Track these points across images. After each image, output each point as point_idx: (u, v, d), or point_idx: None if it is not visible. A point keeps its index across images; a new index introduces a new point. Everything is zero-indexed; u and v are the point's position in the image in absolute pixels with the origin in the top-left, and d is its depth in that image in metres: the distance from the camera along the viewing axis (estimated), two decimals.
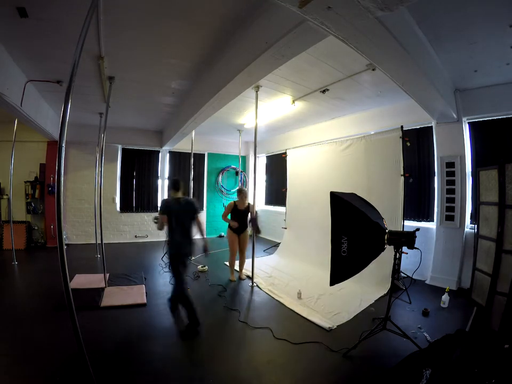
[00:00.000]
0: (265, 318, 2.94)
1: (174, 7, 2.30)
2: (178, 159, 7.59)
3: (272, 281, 4.03)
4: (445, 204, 3.94)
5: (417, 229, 2.17)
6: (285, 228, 5.93)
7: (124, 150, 7.01)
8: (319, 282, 3.87)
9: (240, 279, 4.12)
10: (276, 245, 6.21)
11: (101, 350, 2.21)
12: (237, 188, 4.25)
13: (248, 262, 4.70)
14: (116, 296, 3.31)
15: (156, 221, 2.79)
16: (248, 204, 4.10)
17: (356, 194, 2.64)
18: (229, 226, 4.05)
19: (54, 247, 3.98)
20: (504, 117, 3.53)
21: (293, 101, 4.46)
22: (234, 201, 4.10)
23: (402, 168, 3.82)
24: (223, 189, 8.10)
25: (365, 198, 2.64)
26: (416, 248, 2.17)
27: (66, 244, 3.07)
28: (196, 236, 2.74)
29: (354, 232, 2.21)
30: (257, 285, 3.86)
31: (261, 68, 2.59)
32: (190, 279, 4.09)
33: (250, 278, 3.95)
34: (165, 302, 3.24)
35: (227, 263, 5.01)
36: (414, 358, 1.89)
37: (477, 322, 2.51)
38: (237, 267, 4.28)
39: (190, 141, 5.97)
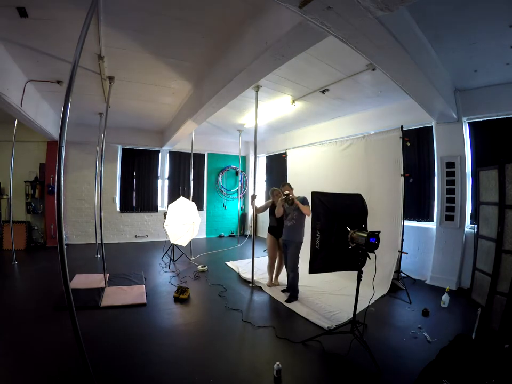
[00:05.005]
0: (265, 317, 2.94)
1: (174, 7, 2.30)
2: (178, 159, 7.59)
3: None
4: (445, 204, 3.94)
5: (378, 232, 2.09)
6: None
7: (124, 150, 7.01)
8: (319, 282, 3.88)
9: (273, 285, 3.85)
10: None
11: (101, 350, 2.21)
12: (271, 188, 3.79)
13: (247, 262, 4.71)
14: (116, 296, 3.31)
15: None
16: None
17: (338, 194, 2.77)
18: (268, 230, 3.82)
19: (54, 247, 3.96)
20: (504, 117, 3.53)
21: (293, 101, 4.46)
22: (272, 201, 3.75)
23: (402, 168, 3.82)
24: (223, 189, 8.10)
25: (363, 198, 2.64)
26: (371, 251, 2.12)
27: (66, 244, 3.07)
28: None
29: (326, 228, 2.44)
30: (256, 285, 3.87)
31: (261, 68, 2.59)
32: (190, 279, 4.10)
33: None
34: (165, 302, 3.24)
35: (227, 263, 5.02)
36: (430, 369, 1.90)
37: (481, 324, 2.52)
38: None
39: (190, 141, 5.97)
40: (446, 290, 3.24)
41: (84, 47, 1.70)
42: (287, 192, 3.34)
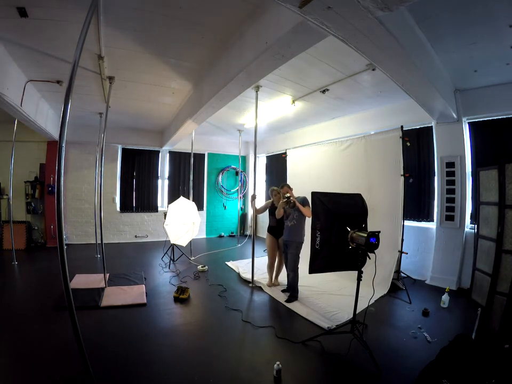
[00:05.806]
0: (265, 317, 2.94)
1: (174, 7, 2.30)
2: (178, 159, 7.59)
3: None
4: (445, 203, 3.94)
5: (378, 232, 2.10)
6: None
7: (124, 150, 7.01)
8: (319, 282, 3.88)
9: (273, 285, 3.84)
10: None
11: (101, 350, 2.21)
12: (271, 188, 3.76)
13: (247, 262, 4.71)
14: (116, 296, 3.31)
15: None
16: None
17: (339, 194, 2.75)
18: (268, 230, 3.80)
19: (54, 247, 3.95)
20: (504, 117, 3.52)
21: (293, 101, 4.46)
22: (272, 201, 3.72)
23: (402, 168, 3.82)
24: (223, 189, 8.10)
25: (363, 198, 2.64)
26: (371, 251, 2.12)
27: (66, 244, 3.07)
28: None
29: (326, 227, 2.42)
30: (256, 285, 3.87)
31: (261, 68, 2.59)
32: (190, 279, 4.10)
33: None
34: (165, 302, 3.24)
35: (227, 263, 5.02)
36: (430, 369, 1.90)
37: (481, 324, 2.52)
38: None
39: (190, 141, 5.97)
40: (446, 290, 3.24)
41: (84, 47, 1.71)
42: (288, 194, 3.33)
